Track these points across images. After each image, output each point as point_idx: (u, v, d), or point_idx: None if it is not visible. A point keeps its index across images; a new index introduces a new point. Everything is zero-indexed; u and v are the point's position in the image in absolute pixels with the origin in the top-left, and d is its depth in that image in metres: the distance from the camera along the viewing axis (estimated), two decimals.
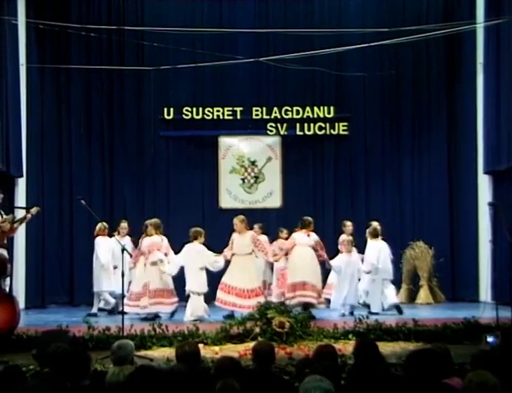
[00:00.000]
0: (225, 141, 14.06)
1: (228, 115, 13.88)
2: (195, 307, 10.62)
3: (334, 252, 11.58)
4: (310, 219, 11.34)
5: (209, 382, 4.25)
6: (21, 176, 12.62)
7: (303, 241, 11.14)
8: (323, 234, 12.08)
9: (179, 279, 11.08)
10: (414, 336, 8.44)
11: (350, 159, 14.11)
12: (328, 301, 11.51)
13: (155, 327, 8.48)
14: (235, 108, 13.87)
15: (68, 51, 13.62)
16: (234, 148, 14.07)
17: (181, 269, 10.95)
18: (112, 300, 11.53)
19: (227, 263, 11.03)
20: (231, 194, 13.99)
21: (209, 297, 11.05)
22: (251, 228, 11.42)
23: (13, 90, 12.18)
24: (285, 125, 13.92)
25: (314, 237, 11.20)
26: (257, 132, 14.00)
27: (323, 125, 13.95)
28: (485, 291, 12.37)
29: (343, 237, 11.74)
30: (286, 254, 11.31)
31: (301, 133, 13.97)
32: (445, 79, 14.07)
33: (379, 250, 11.27)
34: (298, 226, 11.31)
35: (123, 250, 8.64)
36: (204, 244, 10.92)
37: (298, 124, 13.92)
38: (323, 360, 4.65)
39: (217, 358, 6.28)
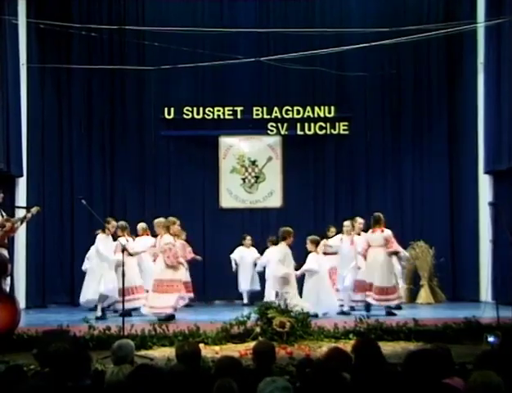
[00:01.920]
0: (225, 141, 14.06)
1: (229, 114, 13.89)
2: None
3: None
4: (378, 214, 11.45)
5: (209, 382, 4.24)
6: (22, 175, 12.63)
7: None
8: (324, 234, 12.09)
9: None
10: (414, 335, 8.41)
11: (351, 158, 14.12)
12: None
13: (156, 326, 8.47)
14: (235, 108, 13.87)
15: (69, 50, 13.65)
16: (234, 148, 14.07)
17: None
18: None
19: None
20: (232, 194, 13.99)
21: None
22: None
23: (13, 90, 12.19)
24: (285, 125, 13.93)
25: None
26: (257, 132, 14.00)
27: (324, 125, 13.96)
28: (485, 290, 12.35)
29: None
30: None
31: (301, 133, 13.98)
32: (445, 79, 14.07)
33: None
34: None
35: (124, 250, 8.63)
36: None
37: (298, 124, 13.93)
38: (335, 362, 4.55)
39: (217, 357, 6.26)
